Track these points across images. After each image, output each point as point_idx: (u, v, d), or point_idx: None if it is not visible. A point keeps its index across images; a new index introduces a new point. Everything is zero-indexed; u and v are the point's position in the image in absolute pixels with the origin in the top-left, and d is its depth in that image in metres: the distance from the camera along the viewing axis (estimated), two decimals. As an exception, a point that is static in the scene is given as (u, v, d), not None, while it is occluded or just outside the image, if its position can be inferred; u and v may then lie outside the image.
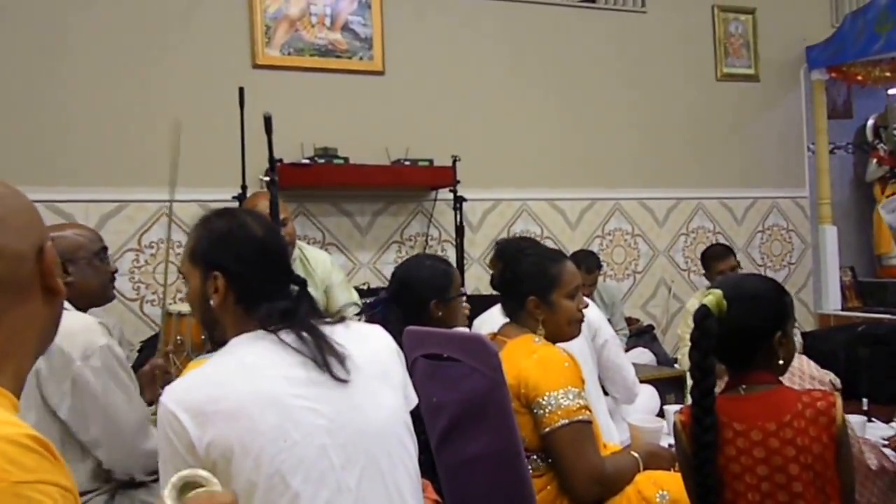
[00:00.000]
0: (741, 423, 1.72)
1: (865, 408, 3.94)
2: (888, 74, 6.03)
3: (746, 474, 1.70)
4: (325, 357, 1.51)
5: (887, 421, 3.39)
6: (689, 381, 4.15)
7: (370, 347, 1.63)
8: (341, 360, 1.53)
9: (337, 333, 1.58)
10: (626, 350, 4.87)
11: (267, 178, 3.37)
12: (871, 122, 6.77)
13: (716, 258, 4.70)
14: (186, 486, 1.22)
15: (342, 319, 1.66)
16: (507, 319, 2.39)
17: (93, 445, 2.18)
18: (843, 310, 6.45)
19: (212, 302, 1.62)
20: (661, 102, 5.90)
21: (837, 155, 6.73)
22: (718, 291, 1.77)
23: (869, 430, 3.53)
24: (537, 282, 2.31)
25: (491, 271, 2.48)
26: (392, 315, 2.61)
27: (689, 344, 3.94)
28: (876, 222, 6.68)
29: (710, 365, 1.72)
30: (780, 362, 1.81)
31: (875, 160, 6.66)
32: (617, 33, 5.80)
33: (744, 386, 1.78)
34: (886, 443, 3.39)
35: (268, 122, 3.25)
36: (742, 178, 6.20)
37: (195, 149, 4.57)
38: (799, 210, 6.48)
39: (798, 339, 5.13)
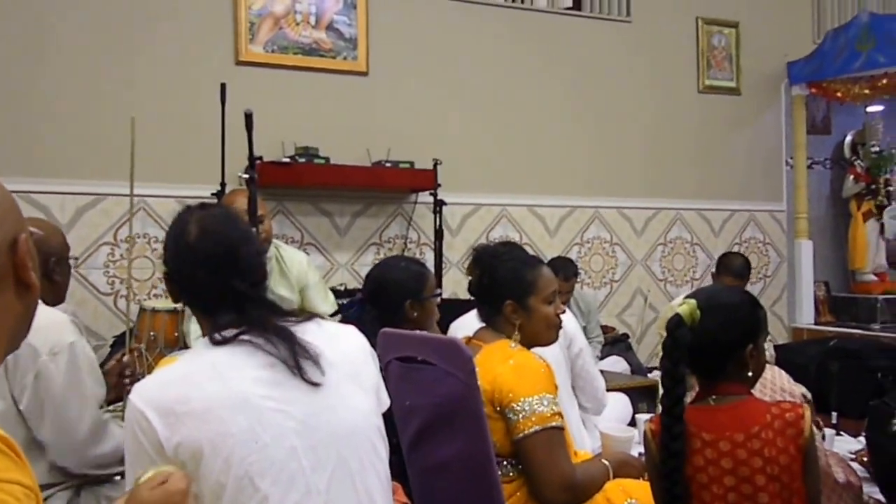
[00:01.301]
0: (710, 434, 1.72)
1: (835, 421, 3.99)
2: (867, 92, 6.08)
3: (714, 484, 1.70)
4: (297, 360, 1.50)
5: (856, 435, 3.42)
6: (661, 390, 4.17)
7: (342, 348, 1.61)
8: (315, 361, 1.51)
9: (308, 332, 1.57)
10: (601, 358, 4.90)
11: (246, 176, 3.35)
12: (849, 138, 6.83)
13: (727, 272, 4.71)
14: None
15: (312, 318, 1.64)
16: (483, 324, 2.38)
17: (44, 444, 2.19)
18: (816, 324, 6.51)
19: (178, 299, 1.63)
20: (642, 111, 5.93)
21: (815, 170, 6.80)
22: (693, 301, 1.78)
23: (837, 444, 3.57)
24: (514, 286, 2.31)
25: (469, 276, 2.47)
26: (367, 315, 2.63)
27: None
28: (851, 238, 6.75)
29: (681, 374, 1.73)
30: (751, 374, 1.82)
31: (852, 176, 6.73)
32: (602, 41, 5.82)
33: (714, 396, 1.79)
34: (854, 456, 3.43)
35: (248, 119, 3.23)
36: (721, 189, 6.24)
37: (175, 144, 4.58)
38: (776, 223, 6.54)
39: (770, 352, 5.17)
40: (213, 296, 1.57)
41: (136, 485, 1.29)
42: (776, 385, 2.83)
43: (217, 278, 1.57)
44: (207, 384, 1.44)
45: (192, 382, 1.45)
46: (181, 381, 1.46)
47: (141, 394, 1.44)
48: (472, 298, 2.46)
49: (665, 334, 1.80)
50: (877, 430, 3.05)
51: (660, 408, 1.86)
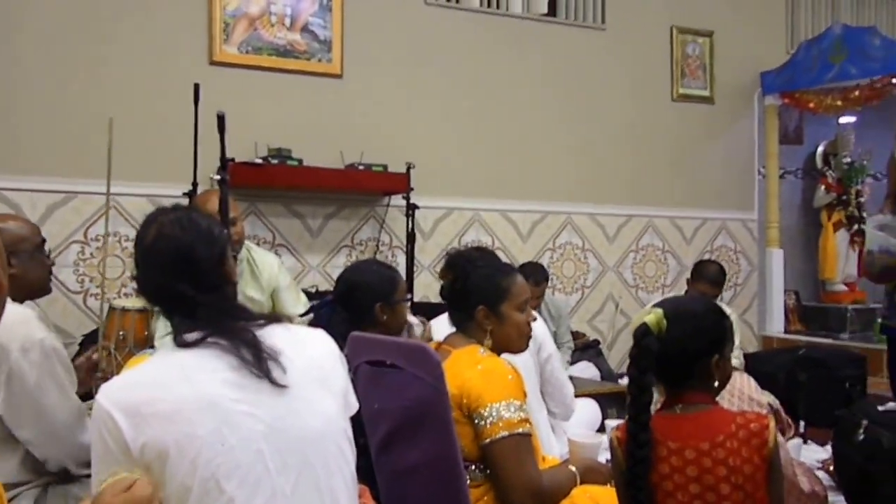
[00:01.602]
0: (675, 442, 1.74)
1: (802, 430, 4.02)
2: (839, 103, 6.13)
3: (679, 492, 1.72)
4: (262, 363, 1.50)
5: (823, 444, 3.44)
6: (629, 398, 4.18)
7: (310, 351, 1.61)
8: (279, 364, 1.51)
9: (276, 336, 1.57)
10: (571, 364, 4.91)
11: (218, 177, 3.34)
12: (821, 149, 6.91)
13: (702, 279, 4.74)
14: None
15: (279, 320, 1.64)
16: (454, 329, 2.38)
17: (26, 441, 2.17)
18: (786, 332, 6.57)
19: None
20: (616, 119, 5.96)
21: (787, 180, 6.86)
22: (659, 310, 1.79)
23: (804, 453, 3.60)
24: (488, 292, 2.31)
25: (441, 280, 2.46)
26: (337, 317, 2.64)
27: None
28: (821, 248, 6.82)
29: (647, 382, 1.74)
30: (716, 384, 1.83)
31: (823, 187, 6.80)
32: (576, 48, 5.84)
33: (680, 405, 1.79)
34: (821, 465, 3.46)
35: (221, 120, 3.23)
36: (693, 197, 6.28)
37: (147, 143, 4.54)
38: (747, 232, 6.59)
39: (740, 360, 5.20)
40: (166, 299, 1.59)
41: (101, 489, 1.28)
42: (744, 393, 2.86)
43: (168, 283, 1.57)
44: (175, 386, 1.44)
45: (160, 384, 1.45)
46: (148, 383, 1.46)
47: (107, 394, 1.43)
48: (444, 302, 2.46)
49: None
50: (843, 439, 3.07)
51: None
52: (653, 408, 1.82)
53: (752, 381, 3.14)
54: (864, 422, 2.93)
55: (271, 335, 1.56)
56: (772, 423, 1.73)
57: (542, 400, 3.36)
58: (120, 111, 4.20)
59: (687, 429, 1.74)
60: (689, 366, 1.79)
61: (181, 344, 1.51)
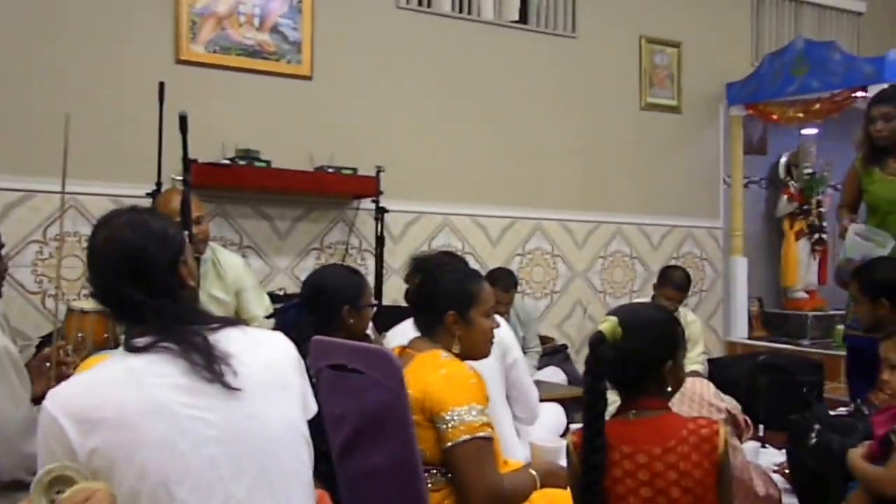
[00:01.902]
0: (628, 446, 1.76)
1: (762, 434, 4.07)
2: (801, 115, 6.24)
3: (630, 495, 1.74)
4: (213, 365, 1.48)
5: (780, 448, 3.49)
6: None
7: (267, 354, 1.60)
8: (232, 368, 1.50)
9: (231, 339, 1.56)
10: (539, 369, 4.93)
11: (180, 178, 3.32)
12: (784, 159, 7.02)
13: (667, 284, 4.83)
14: (56, 482, 1.18)
15: (235, 324, 1.63)
16: (419, 334, 2.38)
17: None
18: (749, 338, 6.67)
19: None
20: (585, 127, 6.00)
21: (751, 189, 6.96)
22: (614, 318, 1.81)
23: (762, 457, 3.64)
24: (457, 297, 2.31)
25: (407, 284, 2.46)
26: (303, 319, 2.63)
27: None
28: (783, 256, 6.92)
29: (601, 389, 1.76)
30: (669, 389, 1.86)
31: (786, 196, 6.91)
32: (547, 55, 5.87)
33: (633, 411, 1.82)
34: (777, 468, 3.51)
35: (183, 121, 3.21)
36: (660, 205, 6.34)
37: (111, 142, 4.48)
38: (713, 240, 6.67)
39: (704, 365, 5.26)
40: (116, 303, 1.58)
41: (61, 500, 1.26)
42: (703, 399, 2.89)
43: (116, 287, 1.55)
44: (124, 391, 1.42)
45: (108, 389, 1.43)
46: (96, 388, 1.44)
47: (55, 400, 1.42)
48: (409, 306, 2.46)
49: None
50: (796, 443, 3.12)
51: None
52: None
53: (712, 387, 3.17)
54: (817, 426, 2.97)
55: (226, 339, 1.55)
56: (723, 429, 1.75)
57: (508, 405, 3.36)
58: (83, 109, 4.19)
59: (639, 434, 1.76)
60: (643, 372, 1.81)
61: (131, 349, 1.49)
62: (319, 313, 2.63)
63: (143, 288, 1.54)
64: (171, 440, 1.39)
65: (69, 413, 1.39)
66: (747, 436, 3.22)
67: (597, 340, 1.77)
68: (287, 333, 2.56)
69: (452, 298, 2.31)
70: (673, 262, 6.24)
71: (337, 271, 2.90)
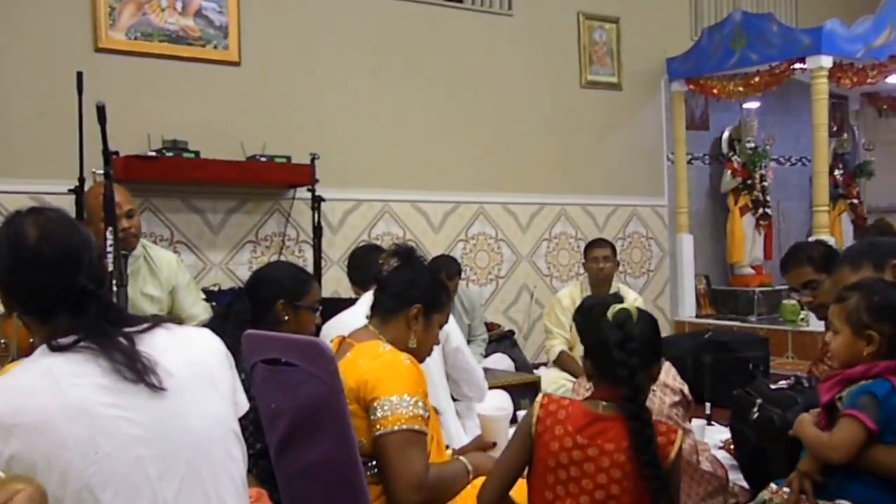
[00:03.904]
0: (584, 438, 1.77)
1: (708, 412, 4.06)
2: (741, 89, 6.26)
3: (571, 483, 1.76)
4: (136, 364, 1.44)
5: (727, 425, 3.48)
6: (547, 388, 4.16)
7: (194, 352, 1.57)
8: (156, 366, 1.46)
9: (156, 337, 1.53)
10: (486, 356, 4.85)
11: (101, 172, 3.19)
12: (726, 134, 7.05)
13: (591, 245, 4.75)
14: None
15: (160, 323, 1.58)
16: (370, 317, 2.34)
17: None
18: (697, 317, 6.68)
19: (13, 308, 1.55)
20: (526, 107, 5.92)
21: (695, 165, 6.96)
22: (634, 306, 1.84)
23: (708, 434, 3.66)
24: (430, 295, 2.33)
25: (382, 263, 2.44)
26: (241, 306, 2.58)
27: (556, 336, 3.79)
28: (729, 232, 6.94)
29: (634, 364, 1.75)
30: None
31: (730, 171, 6.92)
32: (483, 35, 5.78)
33: (605, 402, 1.80)
34: (722, 445, 3.50)
35: (101, 112, 3.09)
36: (604, 185, 6.31)
37: (30, 137, 4.31)
38: (658, 218, 6.65)
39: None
40: (53, 298, 1.50)
41: None
42: (659, 381, 2.84)
43: (60, 279, 1.50)
44: (42, 394, 1.37)
45: (25, 393, 1.38)
46: (12, 392, 1.39)
47: None
48: (352, 298, 2.40)
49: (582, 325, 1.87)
50: (739, 418, 3.14)
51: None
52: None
53: (672, 369, 3.14)
54: (759, 401, 2.99)
55: (151, 337, 1.51)
56: (678, 440, 1.76)
57: (450, 392, 3.36)
58: (-3, 103, 4.01)
59: (600, 428, 1.76)
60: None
61: (53, 348, 1.44)
62: (255, 303, 2.59)
63: (82, 283, 1.51)
64: (93, 443, 1.36)
65: None
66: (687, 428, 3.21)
67: (627, 317, 1.77)
68: (224, 319, 2.50)
69: (426, 294, 2.32)
70: (619, 242, 6.24)
71: (284, 266, 2.90)
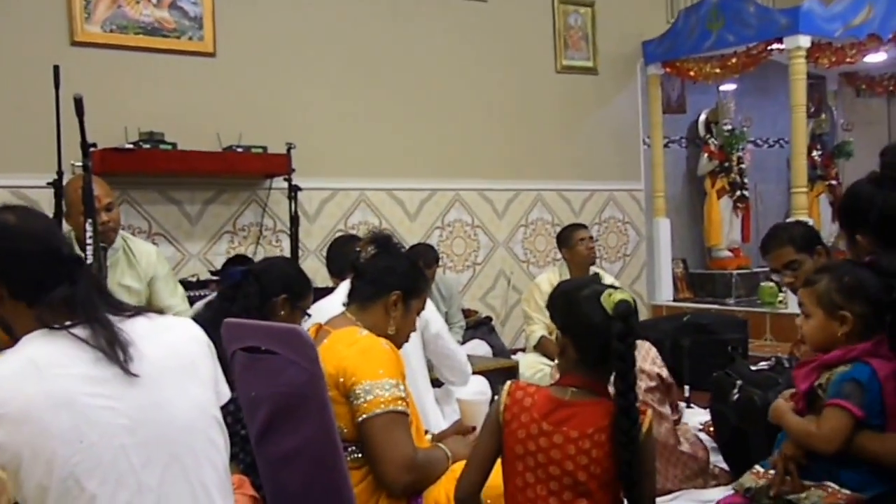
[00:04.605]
0: (550, 425, 1.76)
1: (687, 395, 4.10)
2: (718, 71, 6.26)
3: (539, 469, 1.75)
4: (115, 349, 1.46)
5: (706, 407, 3.52)
6: (525, 373, 4.18)
7: (174, 340, 1.58)
8: (136, 354, 1.47)
9: (137, 325, 1.53)
10: (463, 343, 4.87)
11: (79, 164, 3.19)
12: (703, 117, 7.06)
13: (573, 229, 4.77)
14: None
15: (141, 312, 1.59)
16: (347, 304, 2.36)
17: None
18: (675, 301, 6.71)
19: None
20: (501, 93, 5.92)
21: (671, 149, 6.98)
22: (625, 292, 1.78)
23: (688, 416, 3.70)
24: (409, 281, 2.35)
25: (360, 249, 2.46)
26: (250, 289, 2.56)
27: (536, 321, 3.82)
28: (706, 215, 6.97)
29: (634, 358, 1.70)
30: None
31: (706, 154, 6.94)
32: (457, 21, 5.76)
33: (574, 389, 1.78)
34: (702, 427, 3.53)
35: (78, 104, 3.09)
36: (580, 170, 6.32)
37: (7, 132, 4.30)
38: (634, 203, 6.68)
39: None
40: (42, 269, 1.51)
41: None
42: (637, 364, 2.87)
43: (49, 248, 1.52)
44: (26, 384, 1.38)
45: (9, 383, 1.38)
46: None
47: None
48: (328, 287, 2.42)
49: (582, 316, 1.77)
50: (719, 400, 3.16)
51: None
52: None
53: (652, 351, 3.17)
54: (739, 382, 3.01)
55: (132, 326, 1.52)
56: (647, 418, 1.74)
57: (428, 377, 3.40)
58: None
59: (566, 415, 1.75)
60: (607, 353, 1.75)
61: (51, 329, 1.45)
62: (262, 287, 2.59)
63: (67, 252, 1.55)
64: (78, 432, 1.37)
65: None
66: (676, 416, 3.24)
67: (629, 310, 1.69)
68: (230, 301, 2.52)
69: (405, 280, 2.34)
70: (595, 227, 6.27)
71: (292, 264, 2.95)
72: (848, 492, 2.01)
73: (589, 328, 1.74)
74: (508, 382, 1.87)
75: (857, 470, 2.03)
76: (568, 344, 1.79)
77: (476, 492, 1.87)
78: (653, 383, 3.11)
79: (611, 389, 1.77)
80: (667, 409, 3.15)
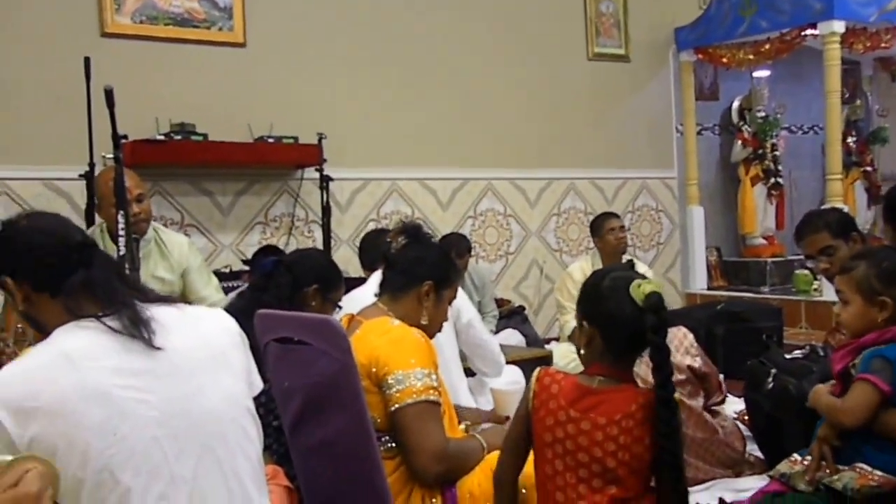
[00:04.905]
0: (577, 412, 1.75)
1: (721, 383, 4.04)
2: (751, 57, 6.18)
3: (567, 456, 1.75)
4: (138, 327, 1.47)
5: (741, 396, 3.47)
6: (559, 362, 4.15)
7: (206, 331, 1.58)
8: (152, 327, 1.49)
9: (165, 312, 1.54)
10: (496, 332, 4.85)
11: (111, 156, 3.20)
12: (736, 103, 6.97)
13: (604, 218, 4.72)
14: None
15: (172, 302, 1.60)
16: (379, 294, 2.36)
17: None
18: (709, 289, 6.65)
19: (18, 305, 1.55)
20: (533, 81, 5.88)
21: (704, 136, 6.90)
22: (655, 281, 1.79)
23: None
24: (441, 271, 2.34)
25: (390, 240, 2.46)
26: (283, 280, 2.56)
27: (570, 311, 3.89)
28: (740, 202, 6.89)
29: (668, 350, 1.71)
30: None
31: (740, 142, 6.86)
32: (489, 10, 5.73)
33: (601, 377, 1.78)
34: (737, 416, 3.49)
35: (109, 95, 3.09)
36: (612, 158, 6.26)
37: (40, 124, 4.33)
38: (668, 191, 6.61)
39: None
40: (56, 256, 1.53)
41: None
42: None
43: (62, 237, 1.55)
44: (59, 377, 1.38)
45: (43, 376, 1.39)
46: (31, 376, 1.40)
47: None
48: (361, 277, 2.42)
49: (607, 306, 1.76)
50: (754, 388, 3.13)
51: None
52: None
53: (688, 339, 3.13)
54: (773, 371, 2.98)
55: (158, 311, 1.53)
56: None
57: (461, 367, 3.38)
58: (6, 90, 4.03)
59: (593, 402, 1.75)
60: (644, 344, 1.75)
61: (86, 325, 1.46)
62: (294, 277, 2.59)
63: (80, 238, 1.57)
64: (111, 424, 1.37)
65: (4, 404, 1.35)
66: (717, 398, 3.20)
67: (660, 302, 1.69)
68: (262, 290, 2.52)
69: (437, 270, 2.34)
70: (628, 216, 6.20)
71: (325, 256, 2.97)
72: (881, 473, 2.00)
73: (618, 319, 1.73)
74: (538, 369, 1.87)
75: (884, 449, 2.03)
76: (595, 334, 1.79)
77: (511, 476, 1.88)
78: (682, 376, 3.07)
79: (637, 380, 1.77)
80: (697, 402, 3.11)
